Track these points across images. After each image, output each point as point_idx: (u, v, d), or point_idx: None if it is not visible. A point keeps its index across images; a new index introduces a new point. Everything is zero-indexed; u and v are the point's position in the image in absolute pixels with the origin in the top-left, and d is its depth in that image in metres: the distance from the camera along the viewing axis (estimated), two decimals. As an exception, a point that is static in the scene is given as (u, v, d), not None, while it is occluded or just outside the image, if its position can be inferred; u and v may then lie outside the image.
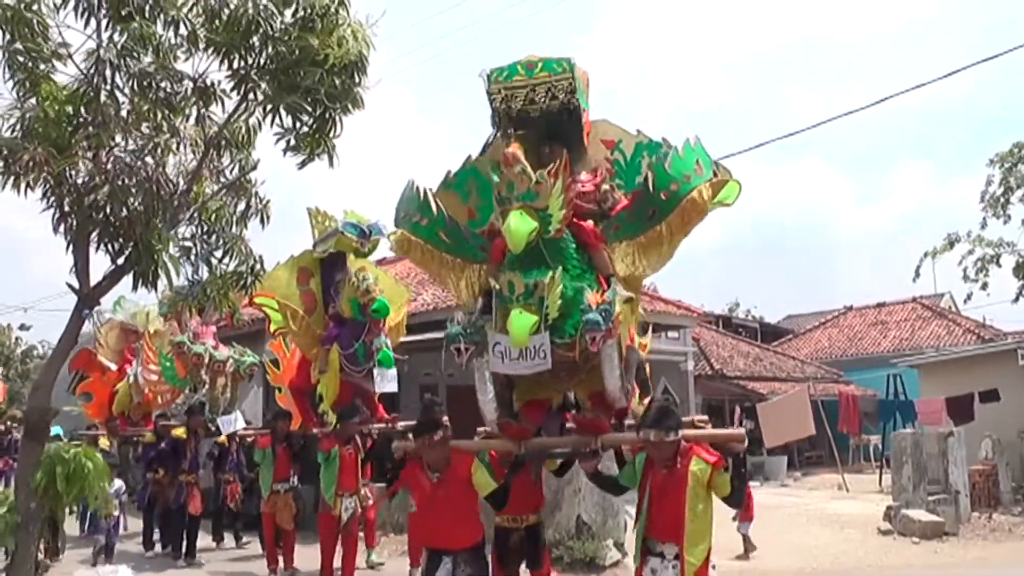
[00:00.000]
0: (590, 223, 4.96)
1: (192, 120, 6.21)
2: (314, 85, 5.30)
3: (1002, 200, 15.77)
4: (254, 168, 6.39)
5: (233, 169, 6.60)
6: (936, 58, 75.98)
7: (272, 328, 8.73)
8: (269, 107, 5.54)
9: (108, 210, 5.15)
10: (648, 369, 6.36)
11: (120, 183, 5.04)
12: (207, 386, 10.63)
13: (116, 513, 9.45)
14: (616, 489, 5.03)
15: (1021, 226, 16.03)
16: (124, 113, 5.75)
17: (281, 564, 9.06)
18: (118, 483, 9.69)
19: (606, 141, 5.39)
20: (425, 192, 5.17)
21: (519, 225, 4.38)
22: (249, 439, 10.26)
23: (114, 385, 11.61)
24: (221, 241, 6.39)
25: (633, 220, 4.91)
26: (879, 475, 18.02)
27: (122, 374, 11.59)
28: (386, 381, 8.42)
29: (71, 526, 10.97)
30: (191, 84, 6.03)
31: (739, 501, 4.52)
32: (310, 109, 5.43)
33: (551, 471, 6.12)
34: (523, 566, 5.93)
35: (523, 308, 4.36)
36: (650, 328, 8.23)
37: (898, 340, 27.77)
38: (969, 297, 16.99)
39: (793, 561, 10.26)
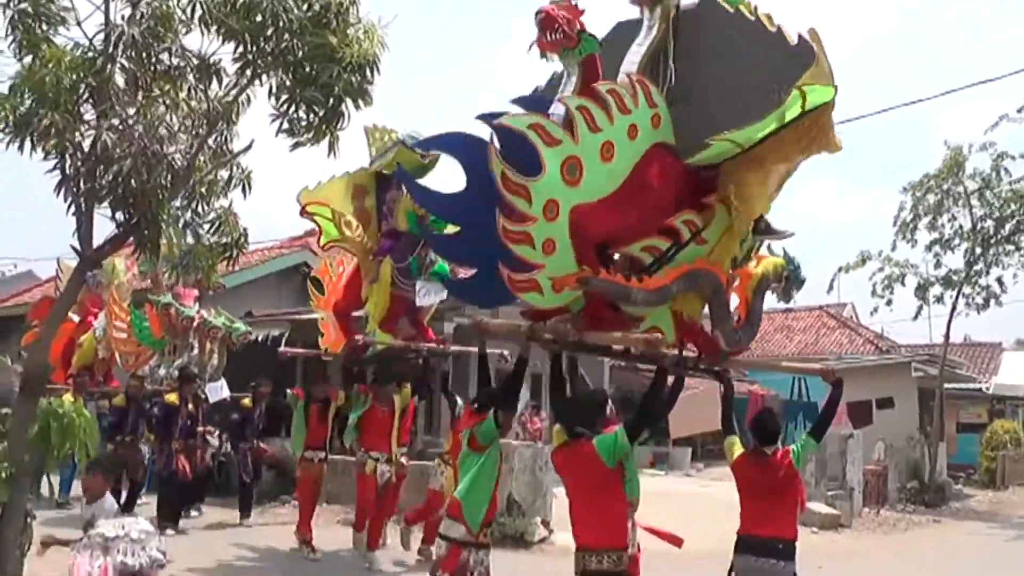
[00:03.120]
0: None
1: (193, 94, 6.42)
2: (330, 80, 5.61)
3: (911, 226, 17.17)
4: (249, 148, 6.64)
5: (222, 143, 6.84)
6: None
7: (322, 241, 8.33)
8: (285, 97, 5.80)
9: (126, 182, 5.34)
10: None
11: (144, 157, 5.24)
12: (194, 351, 10.36)
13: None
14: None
15: (925, 251, 17.51)
16: (126, 84, 5.92)
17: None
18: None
19: None
20: None
21: None
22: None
23: (73, 337, 11.18)
24: (212, 213, 6.64)
25: None
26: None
27: (85, 326, 11.13)
28: (431, 294, 8.00)
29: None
30: (196, 61, 6.25)
31: None
32: (323, 101, 5.73)
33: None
34: None
35: None
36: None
37: (803, 345, 29.35)
38: (875, 311, 18.39)
39: (706, 544, 11.11)
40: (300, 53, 5.72)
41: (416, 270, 7.89)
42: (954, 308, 17.40)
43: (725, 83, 4.80)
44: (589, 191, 4.62)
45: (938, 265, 17.40)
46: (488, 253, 4.68)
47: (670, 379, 5.09)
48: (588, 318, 4.95)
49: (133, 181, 5.51)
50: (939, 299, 17.50)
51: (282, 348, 9.29)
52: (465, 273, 5.51)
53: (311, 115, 5.76)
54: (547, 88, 5.65)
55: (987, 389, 23.57)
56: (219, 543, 9.46)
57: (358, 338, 8.30)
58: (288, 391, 9.04)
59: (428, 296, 7.94)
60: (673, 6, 5.08)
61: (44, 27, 5.96)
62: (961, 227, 17.10)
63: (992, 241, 16.86)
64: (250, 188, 6.82)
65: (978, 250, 16.89)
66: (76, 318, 10.59)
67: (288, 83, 5.73)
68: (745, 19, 4.62)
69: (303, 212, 7.98)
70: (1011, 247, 16.88)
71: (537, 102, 5.26)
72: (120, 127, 5.51)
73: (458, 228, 5.28)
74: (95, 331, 11.03)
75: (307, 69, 5.72)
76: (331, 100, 5.67)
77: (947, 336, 18.18)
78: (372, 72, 5.80)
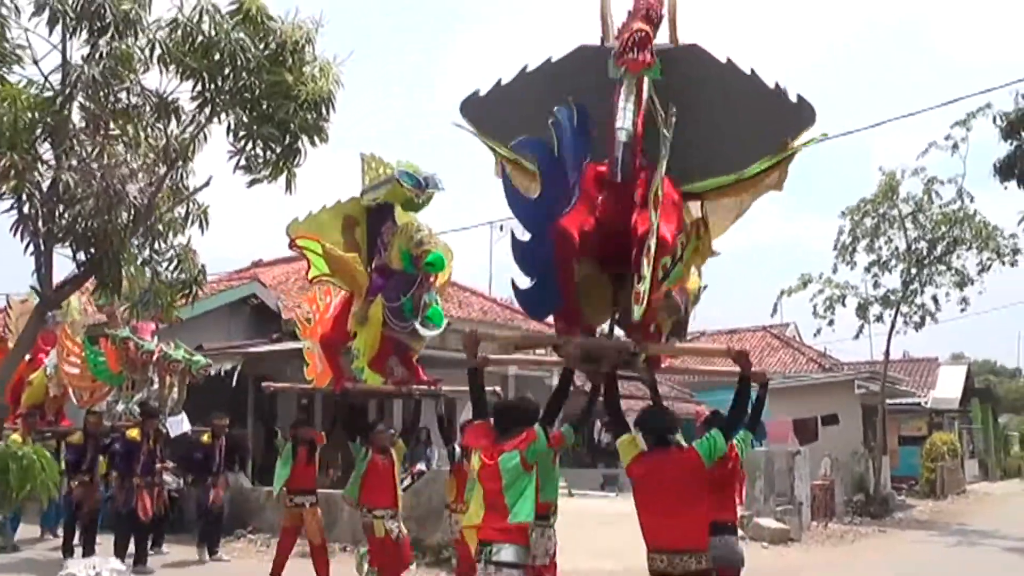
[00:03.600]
0: None
1: (151, 132, 6.51)
2: (287, 117, 5.76)
3: (850, 248, 17.90)
4: (207, 184, 6.74)
5: (178, 180, 6.92)
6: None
7: (311, 275, 7.88)
8: (243, 134, 5.93)
9: (87, 221, 5.39)
10: None
11: (106, 196, 5.30)
12: (154, 385, 10.20)
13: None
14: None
15: (864, 272, 18.27)
16: (84, 124, 5.99)
17: None
18: None
19: None
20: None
21: None
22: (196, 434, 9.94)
23: (22, 376, 10.78)
24: (172, 251, 6.71)
25: None
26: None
27: (35, 364, 10.85)
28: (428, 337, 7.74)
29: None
30: (154, 99, 6.35)
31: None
32: (280, 138, 5.87)
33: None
34: None
35: None
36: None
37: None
38: (818, 332, 19.08)
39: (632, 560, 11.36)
40: (257, 91, 5.88)
41: (410, 312, 7.48)
42: (893, 326, 18.15)
43: (721, 126, 4.96)
44: None
45: (876, 285, 18.21)
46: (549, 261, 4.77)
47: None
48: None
49: (94, 221, 5.57)
50: (879, 318, 18.25)
51: (265, 383, 8.73)
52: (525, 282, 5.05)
53: (268, 152, 5.90)
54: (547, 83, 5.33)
55: (925, 403, 24.49)
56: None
57: (348, 385, 7.95)
58: (278, 434, 8.59)
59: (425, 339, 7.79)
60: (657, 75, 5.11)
61: (2, 68, 6.02)
62: (897, 248, 17.91)
63: (926, 261, 17.68)
64: (207, 224, 6.92)
65: (913, 270, 17.69)
66: (26, 356, 10.26)
67: (245, 120, 5.86)
68: (739, 71, 4.84)
69: (292, 245, 7.56)
70: (943, 267, 17.72)
71: (535, 145, 5.17)
72: (80, 166, 5.57)
73: (530, 234, 5.09)
74: (46, 368, 10.76)
75: (264, 106, 5.88)
76: (287, 137, 5.82)
77: (887, 354, 18.88)
78: (327, 109, 5.97)
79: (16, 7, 6.15)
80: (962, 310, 18.23)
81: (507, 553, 4.73)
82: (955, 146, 16.40)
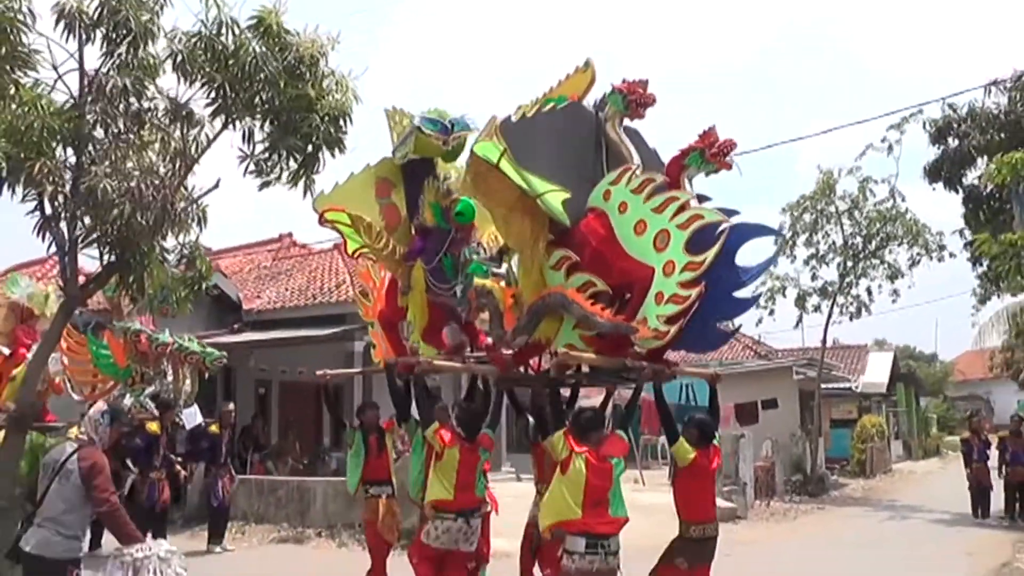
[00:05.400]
0: None
1: (173, 137, 6.73)
2: (311, 130, 6.11)
3: (790, 242, 18.94)
4: (216, 187, 7.00)
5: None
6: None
7: (350, 249, 7.00)
8: (266, 144, 6.25)
9: (118, 224, 5.65)
10: None
11: (138, 200, 5.57)
12: (166, 377, 10.11)
13: None
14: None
15: (803, 265, 19.39)
16: (113, 129, 6.22)
17: None
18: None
19: None
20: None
21: None
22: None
23: (2, 371, 10.60)
24: (183, 249, 6.99)
25: None
26: (669, 469, 20.69)
27: (16, 359, 10.66)
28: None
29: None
30: (170, 104, 6.60)
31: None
32: (303, 149, 6.22)
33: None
34: None
35: None
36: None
37: (688, 354, 31.14)
38: (760, 321, 20.16)
39: (625, 539, 12.09)
40: (278, 103, 6.19)
41: (451, 271, 6.71)
42: (830, 316, 19.30)
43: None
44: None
45: (814, 278, 19.32)
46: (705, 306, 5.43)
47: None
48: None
49: (121, 223, 5.81)
50: (817, 308, 19.36)
51: (320, 371, 8.04)
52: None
53: (291, 161, 6.23)
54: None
55: (856, 388, 25.95)
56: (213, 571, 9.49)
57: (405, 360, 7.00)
58: (347, 426, 8.24)
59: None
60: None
61: (16, 71, 6.19)
62: (834, 243, 19.03)
63: (861, 256, 18.85)
64: (206, 222, 7.19)
65: (849, 264, 18.84)
66: (6, 351, 10.17)
67: (270, 131, 6.18)
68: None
69: (322, 221, 6.71)
70: (876, 261, 18.92)
71: None
72: (110, 171, 5.79)
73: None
74: (28, 363, 10.65)
75: (287, 118, 6.19)
76: (310, 148, 6.16)
77: (824, 342, 20.03)
78: (346, 122, 6.33)
79: (31, 12, 6.30)
80: (893, 301, 19.56)
81: (615, 543, 5.60)
82: (890, 148, 17.54)
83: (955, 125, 15.97)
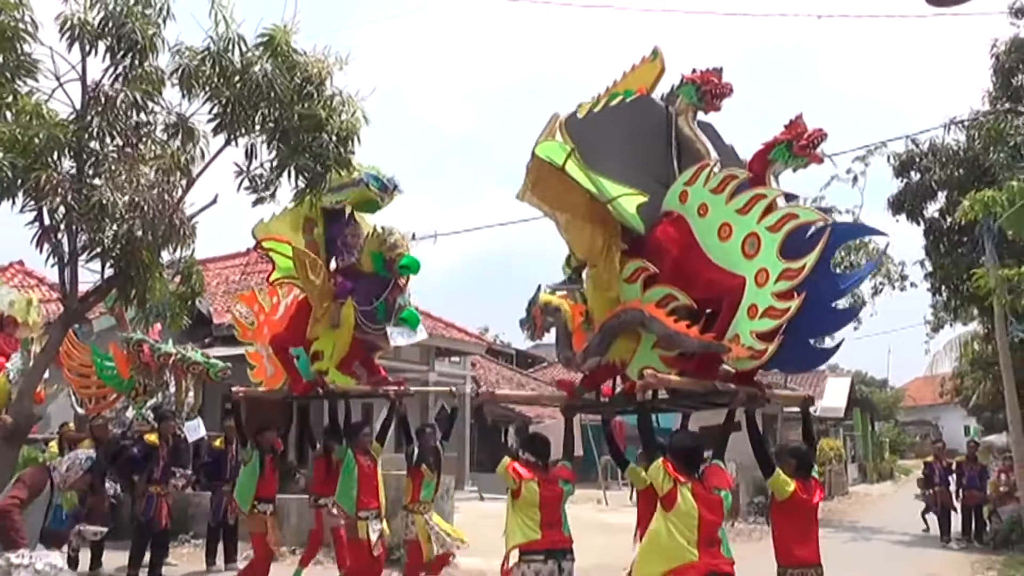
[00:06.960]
0: None
1: (162, 150, 6.75)
2: (322, 151, 6.17)
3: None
4: (214, 202, 7.02)
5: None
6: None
7: (273, 277, 8.01)
8: (276, 163, 6.30)
9: (122, 237, 5.64)
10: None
11: (144, 214, 5.57)
12: (169, 388, 9.87)
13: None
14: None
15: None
16: (116, 143, 6.22)
17: None
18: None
19: None
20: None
21: None
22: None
23: None
24: (178, 264, 6.98)
25: None
26: (631, 491, 20.83)
27: None
28: (404, 336, 7.79)
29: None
30: (173, 118, 6.62)
31: None
32: (312, 168, 6.27)
33: None
34: None
35: None
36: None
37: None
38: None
39: (592, 559, 12.17)
40: (286, 123, 6.24)
41: (383, 315, 7.51)
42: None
43: None
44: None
45: (780, 304, 19.60)
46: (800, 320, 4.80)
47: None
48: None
49: (123, 236, 5.80)
50: (783, 333, 19.70)
51: (235, 388, 8.68)
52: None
53: (299, 180, 6.27)
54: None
55: (815, 412, 26.44)
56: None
57: (332, 387, 7.91)
58: (248, 443, 8.56)
59: (401, 338, 7.79)
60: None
61: (17, 80, 6.18)
62: (800, 270, 19.38)
63: (825, 283, 19.26)
64: (195, 237, 7.20)
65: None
66: None
67: (278, 149, 6.23)
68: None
69: (258, 247, 7.88)
70: (839, 289, 19.35)
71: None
72: (114, 184, 5.78)
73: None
74: (7, 373, 10.38)
75: (292, 137, 6.24)
76: (319, 167, 6.22)
77: (787, 367, 20.30)
78: (353, 142, 6.42)
79: (34, 20, 6.29)
80: (855, 328, 20.00)
81: None
82: (855, 179, 18.06)
83: (917, 160, 16.53)
